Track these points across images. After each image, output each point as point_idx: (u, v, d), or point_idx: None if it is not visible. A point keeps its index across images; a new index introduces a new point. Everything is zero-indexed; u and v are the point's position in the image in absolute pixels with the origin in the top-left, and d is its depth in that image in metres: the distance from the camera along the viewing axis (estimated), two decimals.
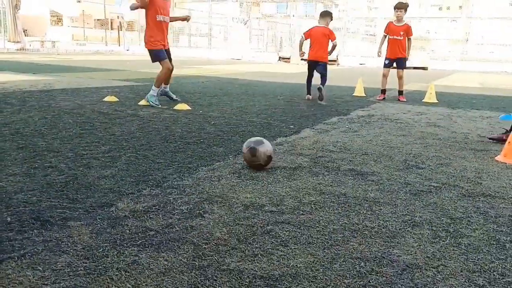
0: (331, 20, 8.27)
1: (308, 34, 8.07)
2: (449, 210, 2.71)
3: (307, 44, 8.26)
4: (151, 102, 6.41)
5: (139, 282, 1.77)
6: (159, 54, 6.40)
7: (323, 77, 8.01)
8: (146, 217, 2.41)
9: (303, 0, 33.31)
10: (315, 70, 8.13)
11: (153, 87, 6.48)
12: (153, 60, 6.50)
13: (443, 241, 2.26)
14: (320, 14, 8.39)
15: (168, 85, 6.97)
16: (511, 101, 8.85)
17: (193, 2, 42.41)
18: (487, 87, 12.55)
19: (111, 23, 33.97)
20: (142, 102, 6.64)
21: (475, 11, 28.66)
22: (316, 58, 8.01)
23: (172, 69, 6.70)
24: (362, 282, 1.84)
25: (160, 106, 6.38)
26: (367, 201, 2.82)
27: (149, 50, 6.45)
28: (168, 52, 6.57)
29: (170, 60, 6.60)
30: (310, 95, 8.28)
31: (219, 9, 33.95)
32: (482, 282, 1.87)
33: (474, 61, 24.57)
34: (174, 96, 7.02)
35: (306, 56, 8.23)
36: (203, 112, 6.23)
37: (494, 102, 8.94)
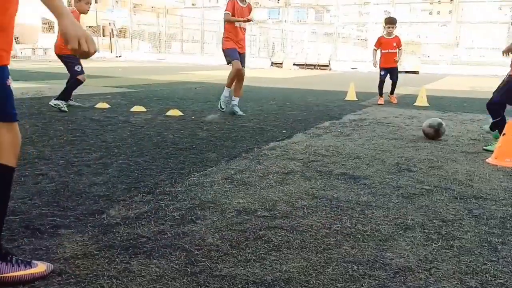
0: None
1: None
2: (441, 212, 2.72)
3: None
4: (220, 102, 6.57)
5: None
6: (231, 53, 6.39)
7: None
8: (137, 224, 2.40)
9: (295, 6, 33.50)
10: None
11: (226, 88, 6.57)
12: (227, 60, 6.51)
13: (435, 243, 2.27)
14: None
15: (237, 98, 6.64)
16: None
17: (185, 9, 42.48)
18: (478, 91, 12.66)
19: (103, 30, 33.93)
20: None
21: (465, 15, 28.98)
22: None
23: (243, 76, 6.55)
24: (355, 286, 1.83)
25: (223, 110, 6.58)
26: (359, 204, 2.82)
27: (223, 50, 6.50)
28: (242, 56, 6.53)
29: (243, 66, 6.51)
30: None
31: (211, 15, 34.02)
32: (475, 284, 1.88)
33: (464, 64, 24.81)
34: (239, 112, 6.59)
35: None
36: (195, 118, 6.22)
37: (485, 105, 9.00)
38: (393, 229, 2.44)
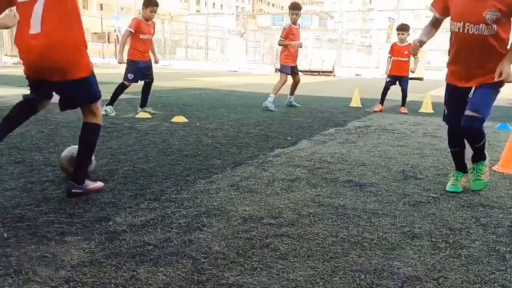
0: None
1: None
2: (448, 221, 2.71)
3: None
4: (268, 106, 8.01)
5: None
6: (286, 69, 8.34)
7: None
8: (144, 231, 2.40)
9: None
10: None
11: (270, 95, 8.13)
12: (280, 71, 8.54)
13: (443, 252, 2.26)
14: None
15: (293, 96, 8.73)
16: (506, 111, 8.90)
17: (190, 15, 42.74)
18: None
19: (108, 36, 34.12)
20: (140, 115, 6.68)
21: None
22: None
23: (299, 81, 8.60)
24: None
25: (276, 110, 7.92)
26: (366, 212, 2.81)
27: (281, 64, 8.49)
28: (296, 67, 8.46)
29: (297, 73, 8.46)
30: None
31: (216, 22, 34.18)
32: None
33: None
34: (297, 105, 8.69)
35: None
36: (200, 124, 6.23)
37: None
38: (400, 237, 2.43)
